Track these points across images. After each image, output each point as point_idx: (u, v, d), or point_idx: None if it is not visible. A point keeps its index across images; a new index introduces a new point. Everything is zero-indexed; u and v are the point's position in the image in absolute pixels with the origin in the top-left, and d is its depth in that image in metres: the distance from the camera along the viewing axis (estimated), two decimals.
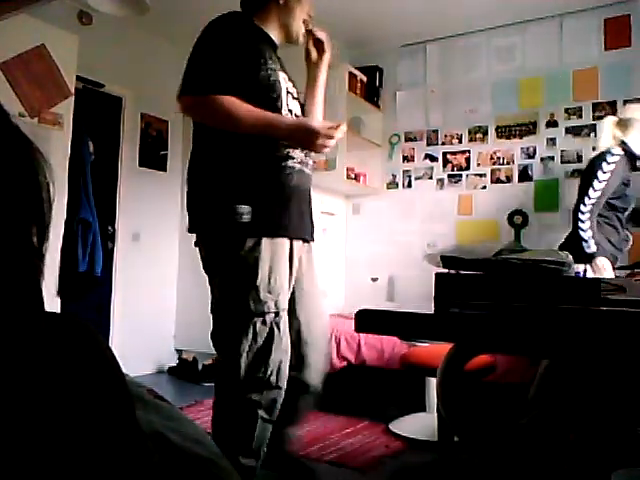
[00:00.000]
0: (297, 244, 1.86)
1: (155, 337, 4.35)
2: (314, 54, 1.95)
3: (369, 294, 4.39)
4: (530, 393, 2.14)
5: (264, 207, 1.75)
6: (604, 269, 2.66)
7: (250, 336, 1.72)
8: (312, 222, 1.96)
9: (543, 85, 3.99)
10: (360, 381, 3.50)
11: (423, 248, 4.17)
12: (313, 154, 1.92)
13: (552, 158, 3.94)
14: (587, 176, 2.89)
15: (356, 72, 4.37)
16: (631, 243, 3.03)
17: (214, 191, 1.76)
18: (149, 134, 4.38)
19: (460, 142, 4.27)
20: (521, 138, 4.05)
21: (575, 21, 3.90)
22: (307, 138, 1.76)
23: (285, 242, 1.80)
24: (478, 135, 4.20)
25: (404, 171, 4.48)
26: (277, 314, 1.75)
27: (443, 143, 4.34)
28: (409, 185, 4.45)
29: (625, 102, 3.62)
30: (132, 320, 4.14)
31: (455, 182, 4.27)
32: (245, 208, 1.72)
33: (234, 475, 0.54)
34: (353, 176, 4.37)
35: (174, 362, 4.35)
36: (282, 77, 1.84)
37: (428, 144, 4.39)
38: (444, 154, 4.33)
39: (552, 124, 3.94)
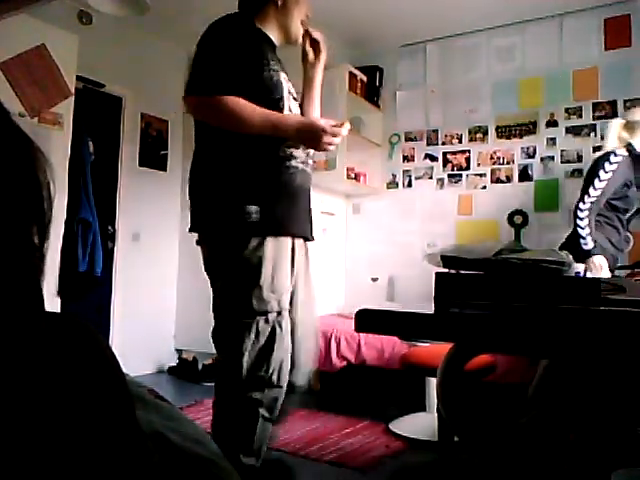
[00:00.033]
0: (298, 243, 1.87)
1: (155, 337, 4.35)
2: (311, 55, 1.95)
3: (369, 294, 4.39)
4: (530, 393, 2.15)
5: (270, 207, 1.75)
6: (600, 267, 2.69)
7: (252, 335, 1.72)
8: (311, 221, 1.96)
9: (543, 85, 3.99)
10: (360, 381, 3.50)
11: (423, 248, 4.17)
12: (313, 153, 1.92)
13: (552, 158, 3.94)
14: (589, 175, 2.93)
15: (356, 72, 4.37)
16: (632, 244, 3.05)
17: (220, 191, 1.76)
18: (149, 134, 4.38)
19: (460, 142, 4.27)
20: (521, 138, 4.05)
21: (575, 21, 3.90)
22: (313, 137, 1.76)
23: (288, 241, 1.81)
24: (478, 135, 4.20)
25: (404, 171, 4.48)
26: (279, 313, 1.76)
27: (443, 143, 4.34)
28: (409, 185, 4.46)
29: (625, 102, 3.64)
30: (132, 320, 4.14)
31: (455, 182, 4.27)
32: (253, 208, 1.72)
33: (234, 475, 0.54)
34: (353, 176, 4.37)
35: (174, 362, 4.35)
36: (283, 77, 1.85)
37: (428, 144, 4.39)
38: (444, 154, 4.33)
39: (552, 124, 3.94)
